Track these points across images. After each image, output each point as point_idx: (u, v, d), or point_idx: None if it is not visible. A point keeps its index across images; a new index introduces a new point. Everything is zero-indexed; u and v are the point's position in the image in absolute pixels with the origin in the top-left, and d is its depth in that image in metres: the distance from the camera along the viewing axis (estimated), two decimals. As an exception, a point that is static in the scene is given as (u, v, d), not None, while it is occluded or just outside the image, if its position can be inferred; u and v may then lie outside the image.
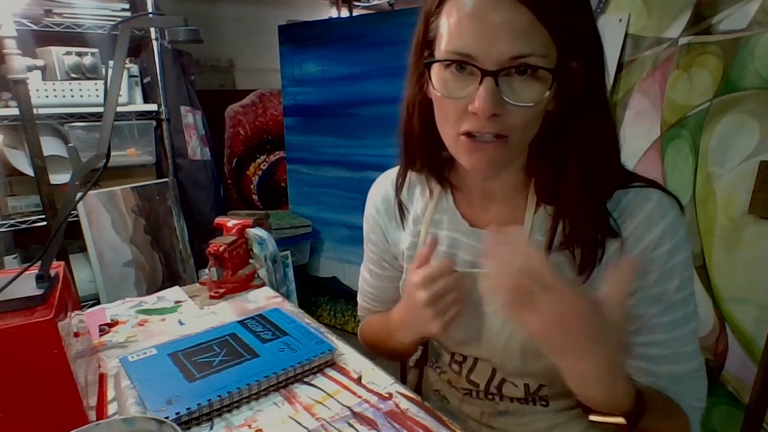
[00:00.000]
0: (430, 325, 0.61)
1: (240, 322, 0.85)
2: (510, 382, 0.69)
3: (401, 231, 0.75)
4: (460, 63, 0.52)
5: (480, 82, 0.51)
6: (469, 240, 0.68)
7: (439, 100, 0.57)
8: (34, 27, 1.59)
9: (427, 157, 0.67)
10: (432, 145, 0.64)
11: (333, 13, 2.78)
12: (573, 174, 0.58)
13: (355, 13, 2.84)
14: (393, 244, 0.77)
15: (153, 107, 1.94)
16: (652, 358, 0.61)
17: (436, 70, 0.56)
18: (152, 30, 1.85)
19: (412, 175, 0.73)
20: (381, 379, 0.73)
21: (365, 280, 0.85)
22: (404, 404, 0.67)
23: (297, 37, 2.34)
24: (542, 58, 0.51)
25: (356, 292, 0.89)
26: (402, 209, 0.74)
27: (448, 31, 0.53)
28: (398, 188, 0.74)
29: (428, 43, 0.58)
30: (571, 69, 0.54)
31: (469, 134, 0.55)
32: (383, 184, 0.78)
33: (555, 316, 0.48)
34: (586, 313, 0.49)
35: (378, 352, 0.84)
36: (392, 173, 0.77)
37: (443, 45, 0.54)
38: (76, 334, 0.65)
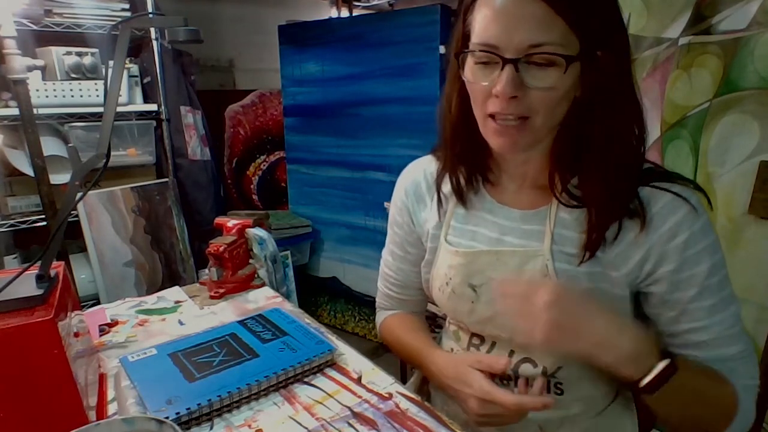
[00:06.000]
0: (467, 408, 0.67)
1: (240, 322, 0.85)
2: (529, 362, 0.70)
3: (429, 212, 0.79)
4: (486, 53, 0.59)
5: (502, 69, 0.58)
6: (496, 218, 0.72)
7: (471, 86, 0.64)
8: (34, 27, 1.59)
9: (465, 141, 0.71)
10: (469, 131, 0.68)
11: (333, 13, 2.78)
12: (597, 157, 0.62)
13: (355, 13, 2.84)
14: (418, 224, 0.80)
15: (153, 107, 1.93)
16: (698, 345, 0.64)
17: (467, 60, 0.63)
18: (152, 30, 1.84)
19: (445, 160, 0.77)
20: (381, 379, 0.73)
21: (387, 263, 0.88)
22: (404, 404, 0.67)
23: (297, 37, 2.34)
24: (559, 46, 0.56)
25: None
26: (440, 192, 0.77)
27: (479, 26, 0.60)
28: (440, 173, 0.77)
29: (466, 36, 0.63)
30: (597, 58, 0.58)
31: (493, 116, 0.61)
32: (414, 170, 0.82)
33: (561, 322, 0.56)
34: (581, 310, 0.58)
35: (395, 354, 0.88)
36: (423, 160, 0.82)
37: (474, 38, 0.61)
38: (76, 334, 0.65)
